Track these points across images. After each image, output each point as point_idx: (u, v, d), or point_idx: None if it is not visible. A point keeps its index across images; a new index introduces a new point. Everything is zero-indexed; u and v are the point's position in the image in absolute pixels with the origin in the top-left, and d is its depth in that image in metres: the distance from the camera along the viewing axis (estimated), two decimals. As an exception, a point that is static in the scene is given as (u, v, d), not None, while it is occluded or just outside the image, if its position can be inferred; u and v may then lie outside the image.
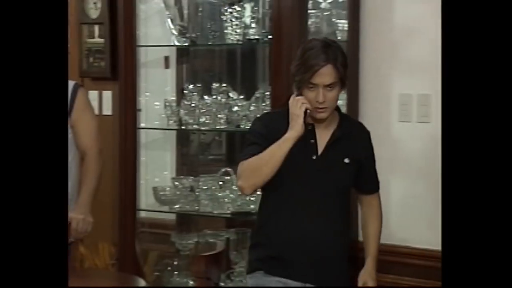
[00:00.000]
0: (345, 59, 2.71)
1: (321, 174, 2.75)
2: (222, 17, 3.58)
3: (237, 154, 3.99)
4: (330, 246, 2.77)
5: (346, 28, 3.51)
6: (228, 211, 3.63)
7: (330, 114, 2.74)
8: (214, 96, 3.67)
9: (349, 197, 2.88)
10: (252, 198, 3.57)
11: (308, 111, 2.67)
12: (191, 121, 3.70)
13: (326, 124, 2.77)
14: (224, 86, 3.68)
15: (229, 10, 3.55)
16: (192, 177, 3.84)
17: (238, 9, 3.54)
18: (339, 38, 3.52)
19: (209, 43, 3.75)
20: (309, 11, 3.44)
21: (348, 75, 2.76)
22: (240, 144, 3.97)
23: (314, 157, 2.76)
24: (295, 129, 2.65)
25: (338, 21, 3.55)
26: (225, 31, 3.58)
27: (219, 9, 3.64)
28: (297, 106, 2.67)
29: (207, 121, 3.66)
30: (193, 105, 3.68)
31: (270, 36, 3.39)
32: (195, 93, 3.70)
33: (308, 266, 2.75)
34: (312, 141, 2.76)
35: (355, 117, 3.37)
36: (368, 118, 3.41)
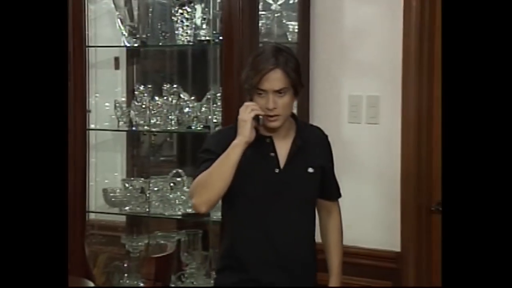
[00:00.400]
0: (297, 65, 2.61)
1: (286, 187, 2.63)
2: (172, 18, 3.57)
3: (188, 155, 3.99)
4: (305, 261, 2.69)
5: (296, 30, 3.53)
6: (179, 213, 3.62)
7: (283, 123, 2.61)
8: (165, 97, 3.65)
9: (313, 207, 2.77)
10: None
11: (260, 117, 2.57)
12: (141, 122, 3.68)
13: (284, 134, 2.66)
14: (175, 87, 3.67)
15: (180, 11, 3.54)
16: (142, 179, 3.82)
17: (189, 10, 3.53)
18: (289, 39, 3.55)
19: (160, 44, 3.73)
20: (260, 13, 3.45)
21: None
22: (192, 145, 3.97)
23: (276, 171, 2.63)
24: (243, 135, 2.51)
25: (289, 23, 3.57)
26: (176, 32, 3.57)
27: (169, 10, 3.62)
28: (246, 111, 2.53)
29: (158, 122, 3.65)
30: (143, 106, 3.66)
31: (221, 38, 3.39)
32: (146, 94, 3.67)
33: (287, 283, 2.64)
34: (273, 154, 2.64)
35: (305, 118, 3.39)
36: (319, 119, 3.44)
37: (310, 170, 2.67)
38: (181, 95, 3.65)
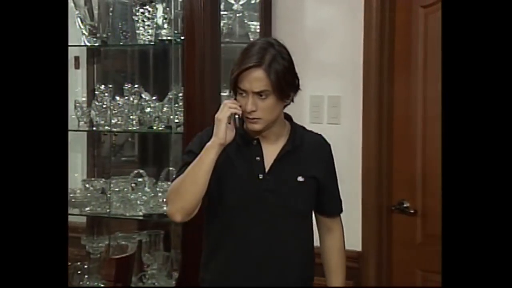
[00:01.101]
0: (286, 66, 2.34)
1: (270, 195, 2.37)
2: (133, 17, 3.55)
3: (150, 156, 3.97)
4: (292, 282, 2.43)
5: (258, 30, 3.53)
6: (141, 213, 3.59)
7: (265, 126, 2.36)
8: (126, 97, 3.63)
9: (308, 222, 2.50)
10: (165, 199, 3.55)
11: (236, 116, 2.35)
12: (102, 122, 3.65)
13: (275, 138, 2.42)
14: (136, 87, 3.64)
15: (141, 10, 3.52)
16: (103, 179, 3.79)
17: (150, 9, 3.51)
18: (251, 39, 3.54)
19: (121, 43, 3.70)
20: (222, 13, 3.44)
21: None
22: (153, 146, 3.95)
23: (260, 176, 2.38)
24: (217, 136, 2.29)
25: (250, 23, 3.57)
26: (137, 31, 3.54)
27: (130, 9, 3.60)
28: (222, 110, 2.32)
29: (119, 122, 3.62)
30: (104, 106, 3.63)
31: (182, 37, 3.38)
32: (107, 94, 3.64)
33: None
34: (258, 158, 2.40)
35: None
36: (280, 119, 3.44)
37: (300, 178, 2.41)
38: (143, 95, 3.63)
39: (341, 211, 2.61)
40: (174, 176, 2.43)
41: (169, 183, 3.57)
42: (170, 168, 3.64)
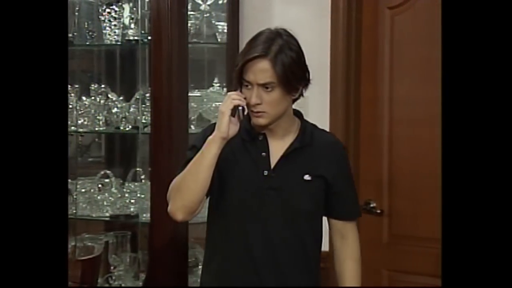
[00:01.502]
0: (295, 58, 2.21)
1: (274, 193, 2.26)
2: (100, 17, 3.52)
3: (116, 156, 3.94)
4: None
5: (225, 31, 3.53)
6: (107, 214, 3.57)
7: (271, 121, 2.24)
8: (93, 97, 3.60)
9: (315, 224, 2.36)
10: (132, 200, 3.53)
11: (240, 108, 2.22)
12: (69, 122, 3.61)
13: (282, 133, 2.30)
14: (103, 87, 3.61)
15: (107, 10, 3.49)
16: (69, 180, 3.75)
17: (117, 9, 3.49)
18: (219, 40, 3.54)
19: (87, 43, 3.67)
20: (189, 13, 3.43)
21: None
22: (120, 146, 3.92)
23: (265, 173, 2.27)
24: (219, 129, 2.17)
25: (218, 23, 3.56)
26: (104, 31, 3.52)
27: (96, 9, 3.57)
28: (225, 102, 2.18)
29: (85, 123, 3.59)
30: (70, 106, 3.60)
31: (149, 37, 3.36)
32: (73, 94, 3.61)
33: None
34: (264, 154, 2.28)
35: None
36: (247, 120, 3.44)
37: (307, 177, 2.28)
38: (109, 95, 3.60)
39: (357, 215, 2.45)
40: (177, 173, 2.30)
41: (136, 183, 3.55)
42: (137, 169, 3.62)
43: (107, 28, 3.50)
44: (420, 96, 3.25)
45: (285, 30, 2.29)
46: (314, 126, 2.41)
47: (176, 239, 3.29)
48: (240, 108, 2.22)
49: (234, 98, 2.19)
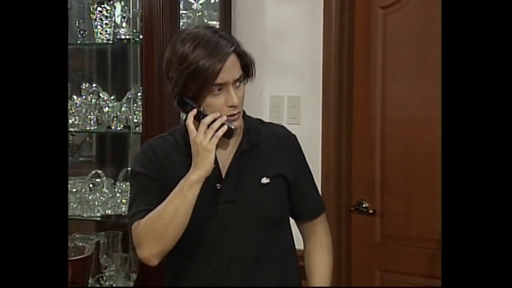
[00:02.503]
0: (239, 43, 2.03)
1: (231, 208, 2.02)
2: (91, 16, 3.50)
3: (108, 156, 3.92)
4: None
5: (218, 30, 3.52)
6: (98, 214, 3.55)
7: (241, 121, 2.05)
8: (84, 97, 3.58)
9: (284, 230, 2.14)
10: (123, 200, 3.52)
11: (232, 127, 1.97)
12: (59, 122, 3.60)
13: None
14: (94, 86, 3.60)
15: (99, 9, 3.48)
16: (60, 180, 3.73)
17: (108, 8, 3.47)
18: (211, 39, 3.53)
19: (78, 42, 3.65)
20: (181, 12, 3.42)
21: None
22: (112, 146, 3.90)
23: (218, 186, 2.02)
24: (203, 167, 1.91)
25: (210, 22, 3.55)
26: (95, 30, 3.50)
27: (88, 8, 3.56)
28: (207, 136, 1.92)
29: (76, 122, 3.57)
30: (61, 105, 3.58)
31: (141, 36, 3.35)
32: (64, 93, 3.59)
33: None
34: (213, 165, 1.98)
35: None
36: (239, 119, 3.43)
37: (265, 180, 2.05)
38: (101, 95, 3.58)
39: (323, 210, 2.24)
40: (132, 209, 2.05)
41: (127, 183, 3.54)
42: (129, 169, 3.60)
43: (99, 27, 3.49)
44: (412, 96, 3.25)
45: (212, 26, 2.17)
46: (260, 121, 2.19)
47: (167, 239, 3.28)
48: (233, 127, 1.98)
49: (217, 126, 1.94)
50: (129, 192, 3.47)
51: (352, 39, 3.38)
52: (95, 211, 3.56)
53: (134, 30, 3.46)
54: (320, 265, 2.22)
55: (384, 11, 3.34)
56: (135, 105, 3.45)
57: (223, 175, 2.05)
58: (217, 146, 1.98)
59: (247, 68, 2.03)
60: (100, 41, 3.52)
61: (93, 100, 3.57)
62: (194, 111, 1.98)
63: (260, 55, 3.51)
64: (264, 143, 2.11)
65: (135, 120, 3.43)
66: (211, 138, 1.94)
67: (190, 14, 3.52)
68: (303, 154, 2.20)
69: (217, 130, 1.95)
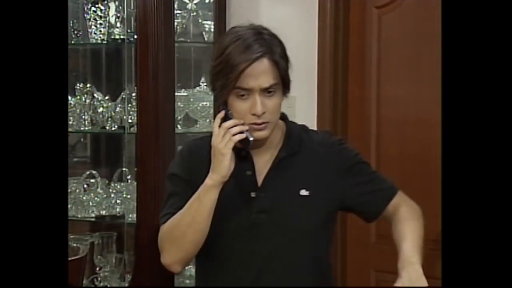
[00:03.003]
0: (284, 51, 1.95)
1: (265, 217, 1.93)
2: (85, 16, 3.50)
3: (102, 156, 3.91)
4: None
5: (212, 30, 3.51)
6: (93, 215, 3.54)
7: (270, 132, 1.93)
8: (78, 97, 3.57)
9: (318, 245, 2.04)
10: (118, 201, 3.51)
11: (251, 139, 1.88)
12: (54, 122, 3.58)
13: (267, 144, 1.96)
14: (88, 87, 3.59)
15: (93, 9, 3.47)
16: (55, 180, 3.72)
17: (102, 8, 3.47)
18: (206, 39, 3.53)
19: (72, 42, 3.64)
20: (175, 12, 3.41)
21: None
22: (106, 146, 3.89)
23: (253, 195, 1.94)
24: (218, 172, 1.85)
25: (205, 22, 3.55)
26: (89, 30, 3.50)
27: (82, 8, 3.55)
28: (224, 139, 1.85)
29: (71, 123, 3.56)
30: (56, 105, 3.57)
31: (135, 36, 3.34)
32: (58, 94, 3.58)
33: None
34: (249, 172, 1.95)
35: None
36: (234, 119, 3.42)
37: (304, 192, 1.96)
38: (95, 95, 3.58)
39: (395, 190, 2.09)
40: (162, 212, 2.01)
41: (122, 184, 3.53)
42: (124, 169, 3.60)
43: (93, 26, 3.48)
44: (408, 96, 3.24)
45: (261, 26, 1.99)
46: (304, 128, 2.09)
47: (162, 240, 3.27)
48: (251, 139, 1.88)
49: (235, 132, 1.85)
50: (123, 193, 3.51)
51: (347, 39, 3.37)
52: (90, 211, 3.55)
53: (129, 30, 3.45)
54: (412, 227, 2.06)
55: (379, 11, 3.33)
56: (129, 105, 3.44)
57: (259, 184, 1.97)
58: (254, 153, 1.95)
59: (287, 79, 1.93)
60: (94, 41, 3.52)
61: (88, 100, 3.56)
62: (222, 114, 1.91)
63: (255, 55, 3.53)
64: (305, 152, 2.00)
65: (130, 121, 3.42)
66: (227, 142, 1.86)
67: (185, 14, 3.51)
68: (351, 154, 2.06)
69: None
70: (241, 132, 1.87)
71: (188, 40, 3.55)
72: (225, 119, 1.91)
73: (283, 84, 1.92)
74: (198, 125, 3.51)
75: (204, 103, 3.46)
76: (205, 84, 3.54)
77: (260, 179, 1.97)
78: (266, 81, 1.87)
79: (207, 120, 3.47)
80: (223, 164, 1.85)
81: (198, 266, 2.09)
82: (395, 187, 2.11)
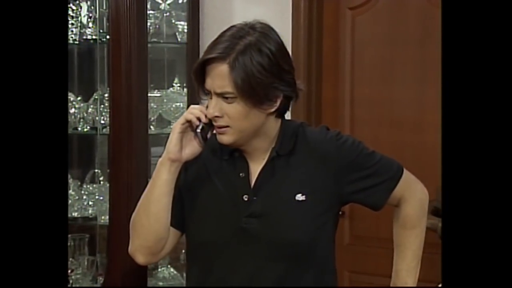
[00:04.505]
0: (260, 64, 1.72)
1: (256, 223, 1.80)
2: (57, 15, 3.46)
3: (74, 158, 3.87)
4: None
5: (186, 30, 3.50)
6: (65, 217, 3.51)
7: (238, 138, 1.78)
8: (50, 98, 3.54)
9: (319, 251, 1.90)
10: (90, 202, 3.48)
11: (201, 124, 1.78)
12: (25, 123, 3.55)
13: (260, 144, 1.83)
14: (60, 87, 3.56)
15: (65, 8, 3.44)
16: (26, 182, 3.69)
17: (74, 8, 3.43)
18: (179, 40, 3.51)
19: (44, 42, 3.61)
20: (148, 12, 3.39)
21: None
22: (78, 148, 3.85)
23: (245, 197, 1.81)
24: (166, 150, 1.77)
25: (178, 22, 3.53)
26: (61, 30, 3.46)
27: (54, 8, 3.52)
28: (181, 117, 1.79)
29: (42, 123, 3.53)
30: (27, 106, 3.54)
31: (108, 37, 3.32)
32: (29, 94, 3.55)
33: None
34: (242, 174, 1.82)
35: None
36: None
37: (300, 197, 1.81)
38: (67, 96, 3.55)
39: (401, 172, 1.96)
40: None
41: (94, 185, 3.50)
42: (96, 170, 3.57)
43: (65, 27, 3.45)
44: (381, 97, 3.26)
45: (263, 24, 1.82)
46: (301, 125, 1.92)
47: (135, 242, 3.25)
48: (199, 131, 1.79)
49: (191, 112, 1.77)
50: (96, 194, 3.48)
51: (321, 40, 3.38)
52: (62, 213, 3.52)
53: (101, 31, 3.42)
54: (405, 242, 2.08)
55: (352, 12, 3.34)
56: (102, 106, 3.42)
57: (252, 187, 1.83)
58: (249, 156, 1.84)
59: (248, 93, 1.72)
60: (66, 41, 3.49)
61: (60, 101, 3.52)
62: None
63: (228, 56, 3.52)
64: (301, 152, 1.86)
65: (102, 122, 3.40)
66: (180, 119, 1.80)
67: (158, 15, 3.49)
68: (350, 148, 1.89)
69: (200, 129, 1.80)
70: (199, 120, 1.78)
71: (161, 41, 3.53)
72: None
73: (245, 96, 1.72)
74: (171, 126, 3.49)
75: (178, 104, 3.44)
76: (178, 85, 3.52)
77: (253, 182, 1.84)
78: (219, 86, 1.73)
79: (181, 121, 3.45)
80: (171, 140, 1.77)
81: (187, 269, 2.00)
82: (398, 173, 1.96)
